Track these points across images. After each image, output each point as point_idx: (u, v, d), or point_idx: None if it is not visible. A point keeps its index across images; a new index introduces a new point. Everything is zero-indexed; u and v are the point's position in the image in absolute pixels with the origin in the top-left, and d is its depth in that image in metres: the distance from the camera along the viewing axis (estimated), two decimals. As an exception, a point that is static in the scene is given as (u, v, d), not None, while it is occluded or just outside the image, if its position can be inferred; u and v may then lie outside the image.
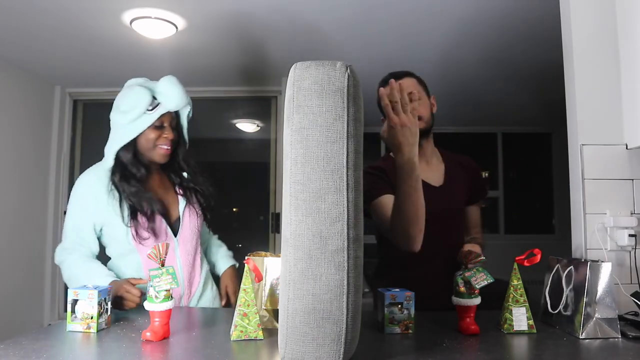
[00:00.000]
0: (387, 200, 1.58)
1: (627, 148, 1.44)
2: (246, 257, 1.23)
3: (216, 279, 1.81)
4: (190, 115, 1.69)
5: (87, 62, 3.45)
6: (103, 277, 1.45)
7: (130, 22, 2.72)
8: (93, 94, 4.15)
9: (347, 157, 0.90)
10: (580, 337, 1.16)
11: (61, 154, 4.01)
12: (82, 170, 1.64)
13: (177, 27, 2.79)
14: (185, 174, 1.70)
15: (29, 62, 3.46)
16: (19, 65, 3.52)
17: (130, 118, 1.52)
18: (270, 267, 1.29)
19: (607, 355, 1.07)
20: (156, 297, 1.13)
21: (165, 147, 1.58)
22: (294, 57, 2.61)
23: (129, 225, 1.51)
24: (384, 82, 1.61)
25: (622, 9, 1.47)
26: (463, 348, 1.09)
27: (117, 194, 1.53)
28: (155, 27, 2.75)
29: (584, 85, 1.49)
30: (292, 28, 2.87)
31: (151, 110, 1.54)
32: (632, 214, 1.42)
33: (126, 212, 1.52)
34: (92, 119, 4.30)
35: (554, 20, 1.70)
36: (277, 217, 3.92)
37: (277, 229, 3.89)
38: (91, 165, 1.61)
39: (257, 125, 4.61)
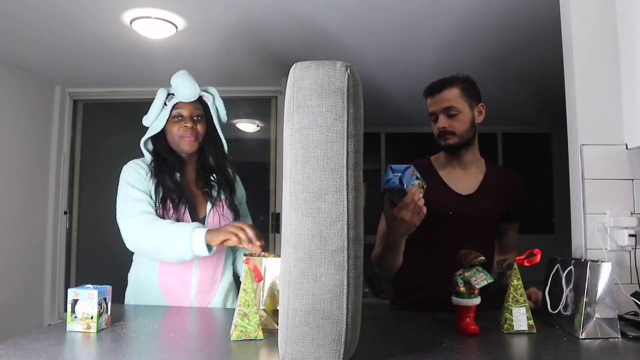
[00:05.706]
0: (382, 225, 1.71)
1: (627, 148, 1.44)
2: (245, 257, 1.23)
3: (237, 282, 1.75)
4: (222, 113, 1.76)
5: (87, 62, 3.45)
6: (188, 228, 1.46)
7: (130, 22, 2.72)
8: (93, 94, 4.14)
9: (347, 157, 0.90)
10: (580, 337, 1.16)
11: (61, 154, 4.00)
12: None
13: (177, 27, 2.79)
14: (214, 175, 1.71)
15: (29, 62, 3.46)
16: (19, 66, 3.52)
17: (152, 117, 1.63)
18: (270, 267, 1.29)
19: (607, 355, 1.07)
20: None
21: (188, 135, 1.63)
22: (294, 57, 2.61)
23: (158, 210, 1.56)
24: (427, 92, 1.68)
25: (622, 9, 1.47)
26: (463, 348, 1.09)
27: (155, 180, 1.60)
28: (155, 27, 2.74)
29: (584, 85, 1.49)
30: (293, 28, 2.87)
31: (167, 105, 1.63)
32: (632, 214, 1.42)
33: (159, 199, 1.58)
34: (92, 119, 4.29)
35: (554, 20, 1.70)
36: (277, 217, 3.92)
37: (277, 229, 3.89)
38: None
39: (257, 125, 4.61)
